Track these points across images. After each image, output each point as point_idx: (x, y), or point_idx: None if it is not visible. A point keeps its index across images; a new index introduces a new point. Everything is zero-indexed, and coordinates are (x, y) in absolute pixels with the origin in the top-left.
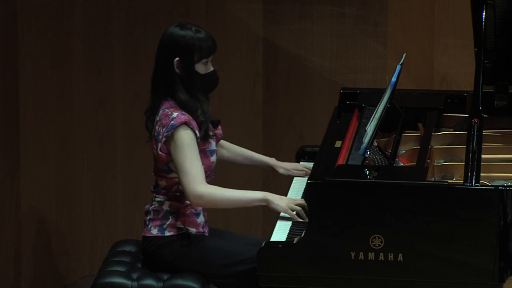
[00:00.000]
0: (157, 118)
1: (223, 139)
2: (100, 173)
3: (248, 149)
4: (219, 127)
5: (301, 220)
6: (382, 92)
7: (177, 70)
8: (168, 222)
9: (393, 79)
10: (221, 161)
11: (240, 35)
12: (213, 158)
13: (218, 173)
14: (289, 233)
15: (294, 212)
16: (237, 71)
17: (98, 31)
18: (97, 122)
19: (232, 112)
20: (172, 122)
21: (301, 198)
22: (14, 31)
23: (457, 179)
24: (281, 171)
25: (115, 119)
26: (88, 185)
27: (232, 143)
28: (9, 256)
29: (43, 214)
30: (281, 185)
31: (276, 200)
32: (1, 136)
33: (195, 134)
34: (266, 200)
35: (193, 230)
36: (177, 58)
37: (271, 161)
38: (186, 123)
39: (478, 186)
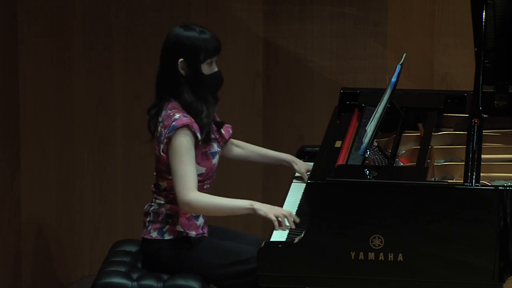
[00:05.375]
0: (160, 119)
1: (233, 138)
2: (100, 173)
3: None
4: (229, 128)
5: (280, 229)
6: (382, 92)
7: (181, 71)
8: (167, 226)
9: (393, 79)
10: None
11: (240, 35)
12: (215, 160)
13: (221, 175)
14: (289, 233)
15: (275, 220)
16: (237, 71)
17: (98, 31)
18: (97, 122)
19: (232, 112)
20: (174, 123)
21: (300, 199)
22: (14, 31)
23: (457, 179)
24: (296, 167)
25: (115, 119)
26: (88, 185)
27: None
28: (9, 256)
29: (43, 214)
30: (281, 188)
31: (262, 207)
32: (1, 136)
33: (196, 137)
34: (253, 208)
35: (192, 233)
36: (181, 59)
37: (288, 157)
38: (187, 126)
39: (478, 186)
